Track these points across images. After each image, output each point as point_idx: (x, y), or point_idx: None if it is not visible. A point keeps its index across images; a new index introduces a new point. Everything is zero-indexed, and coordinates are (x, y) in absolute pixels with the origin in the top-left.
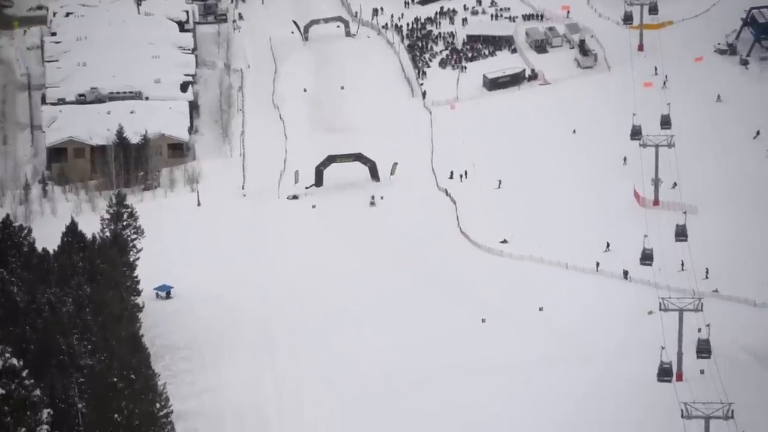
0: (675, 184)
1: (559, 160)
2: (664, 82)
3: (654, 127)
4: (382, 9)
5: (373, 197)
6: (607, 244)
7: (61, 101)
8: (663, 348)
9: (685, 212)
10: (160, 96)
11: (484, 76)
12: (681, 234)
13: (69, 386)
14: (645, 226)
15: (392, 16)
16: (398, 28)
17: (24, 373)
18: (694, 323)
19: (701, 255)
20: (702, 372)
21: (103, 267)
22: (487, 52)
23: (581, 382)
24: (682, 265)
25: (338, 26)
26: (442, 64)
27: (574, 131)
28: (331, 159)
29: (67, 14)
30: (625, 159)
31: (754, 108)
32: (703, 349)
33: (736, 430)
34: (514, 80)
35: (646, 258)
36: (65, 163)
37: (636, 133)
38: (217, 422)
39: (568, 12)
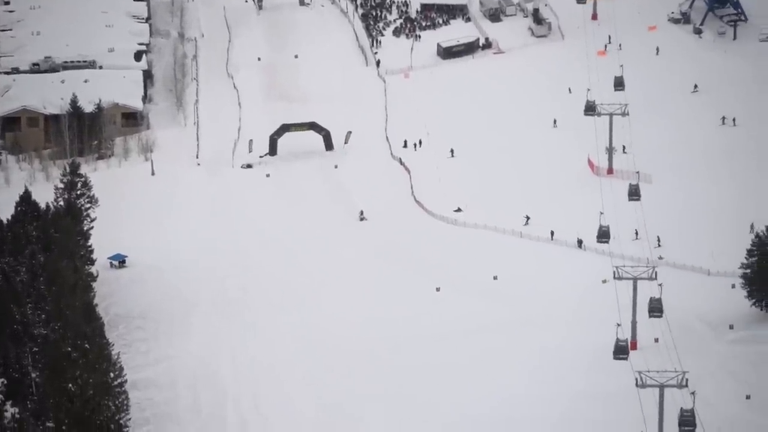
0: (624, 148)
1: (513, 129)
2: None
3: (608, 95)
4: None
5: (362, 212)
6: (526, 217)
7: (15, 70)
8: (619, 325)
9: (637, 172)
10: (114, 65)
11: (438, 45)
12: (634, 193)
13: (22, 356)
14: (599, 195)
15: None
16: None
17: None
18: (649, 292)
19: (655, 223)
20: (656, 341)
21: (57, 236)
22: (441, 20)
23: (536, 349)
24: (636, 233)
25: None
26: (396, 32)
27: (528, 100)
28: (285, 128)
29: None
30: (576, 129)
31: (708, 76)
32: (655, 308)
33: (690, 398)
34: (468, 49)
35: (603, 236)
36: (19, 132)
37: (590, 108)
38: (171, 391)
39: None
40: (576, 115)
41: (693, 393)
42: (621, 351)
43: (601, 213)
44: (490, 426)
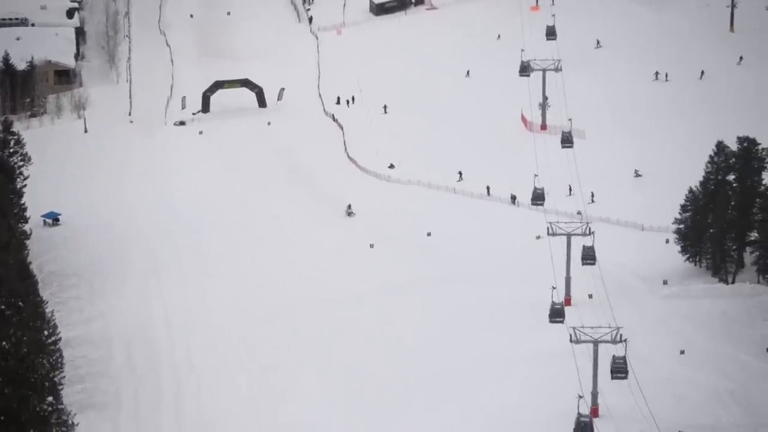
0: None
1: (445, 85)
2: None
3: (541, 50)
4: None
5: (349, 207)
6: (459, 173)
7: None
8: (554, 288)
9: (570, 119)
10: (46, 22)
11: (371, 1)
12: (566, 141)
13: None
14: (533, 151)
15: None
16: None
17: None
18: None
19: (588, 179)
20: (590, 297)
21: None
22: None
23: (470, 305)
24: (570, 189)
25: None
26: None
27: (461, 56)
28: (217, 85)
29: None
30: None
31: (642, 32)
32: (588, 256)
33: (624, 354)
34: (401, 5)
35: (538, 198)
36: None
37: (524, 69)
38: (105, 349)
39: None
40: (509, 70)
41: (625, 341)
42: (557, 314)
43: (536, 175)
44: (423, 381)
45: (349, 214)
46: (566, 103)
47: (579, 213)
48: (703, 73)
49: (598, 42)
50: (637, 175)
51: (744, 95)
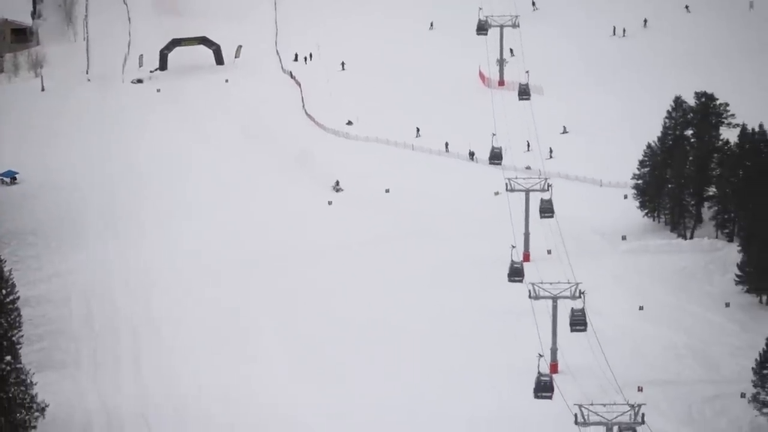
0: (511, 51)
1: (402, 41)
2: None
3: (498, 4)
4: None
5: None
6: (417, 129)
7: None
8: (513, 247)
9: (527, 71)
10: None
11: None
12: (524, 93)
13: None
14: (491, 107)
15: None
16: None
17: None
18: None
19: (546, 135)
20: (549, 252)
21: None
22: None
23: (428, 263)
24: (528, 145)
25: None
26: None
27: (418, 11)
28: (175, 43)
29: None
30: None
31: None
32: (546, 209)
33: (583, 306)
34: None
35: (495, 157)
36: None
37: (482, 27)
38: (64, 307)
39: None
40: (465, 24)
41: (582, 293)
42: (516, 273)
43: (494, 134)
44: (380, 334)
45: (338, 190)
46: (523, 57)
47: (528, 168)
48: (646, 21)
49: None
50: (565, 131)
51: (696, 46)
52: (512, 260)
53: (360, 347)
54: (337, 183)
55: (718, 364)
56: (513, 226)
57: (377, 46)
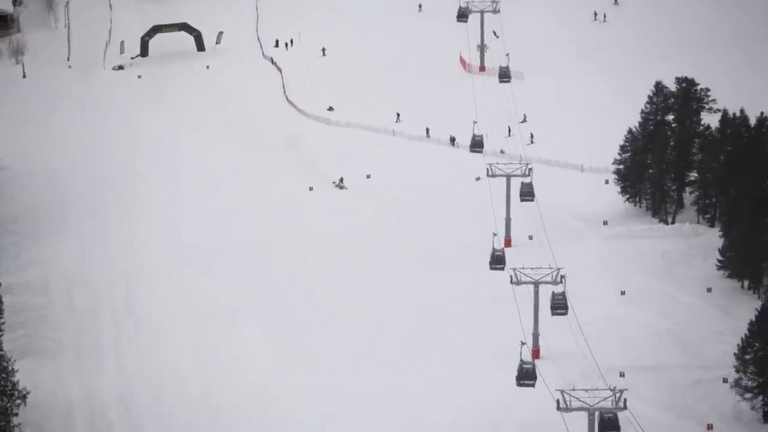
0: (495, 33)
1: (385, 26)
2: None
3: None
4: None
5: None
6: (397, 114)
7: None
8: (495, 234)
9: (507, 54)
10: None
11: None
12: (504, 75)
13: None
14: (471, 92)
15: None
16: None
17: None
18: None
19: (527, 120)
20: (531, 238)
21: None
22: None
23: (410, 249)
24: (509, 130)
25: None
26: None
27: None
28: (156, 29)
29: None
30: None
31: None
32: (526, 193)
33: (563, 290)
34: None
35: (477, 145)
36: None
37: (462, 15)
38: (45, 295)
39: None
40: (452, 9)
41: (563, 276)
42: (497, 261)
43: (475, 122)
44: (363, 321)
45: (341, 187)
46: (503, 41)
47: (502, 152)
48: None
49: None
50: (524, 120)
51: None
52: (493, 248)
53: (343, 333)
54: (341, 180)
55: (700, 349)
56: (494, 211)
57: (358, 31)
